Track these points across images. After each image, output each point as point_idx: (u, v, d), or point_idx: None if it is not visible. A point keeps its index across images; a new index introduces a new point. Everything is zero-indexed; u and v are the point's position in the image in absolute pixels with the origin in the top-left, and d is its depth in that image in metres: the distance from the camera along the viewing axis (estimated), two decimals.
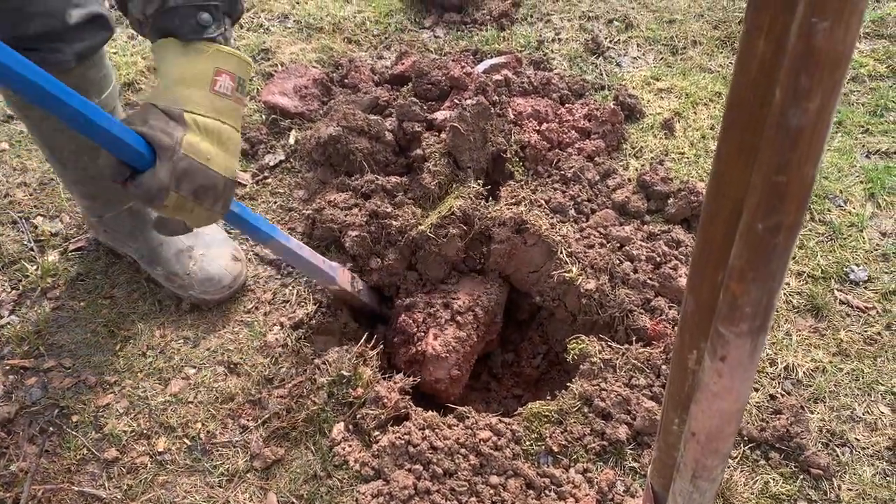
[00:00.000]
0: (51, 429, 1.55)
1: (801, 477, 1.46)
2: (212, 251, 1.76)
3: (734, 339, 0.70)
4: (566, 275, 1.70)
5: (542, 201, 1.86)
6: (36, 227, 1.89)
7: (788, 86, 0.51)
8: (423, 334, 1.72)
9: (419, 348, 1.70)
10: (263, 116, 2.18)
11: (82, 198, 1.71)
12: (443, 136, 1.92)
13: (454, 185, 1.90)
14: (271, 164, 2.05)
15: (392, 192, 1.90)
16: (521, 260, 1.80)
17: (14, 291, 1.78)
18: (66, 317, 1.74)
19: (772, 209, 0.58)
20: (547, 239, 1.75)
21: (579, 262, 1.73)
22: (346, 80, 2.28)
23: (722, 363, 0.73)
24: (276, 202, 1.97)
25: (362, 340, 1.65)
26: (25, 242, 1.86)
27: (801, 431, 1.49)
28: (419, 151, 1.93)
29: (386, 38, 2.53)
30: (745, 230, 0.62)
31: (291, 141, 2.10)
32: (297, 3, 2.66)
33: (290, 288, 1.79)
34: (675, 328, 1.35)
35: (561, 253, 1.74)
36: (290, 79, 2.25)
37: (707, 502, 0.95)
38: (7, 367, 1.64)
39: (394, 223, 1.81)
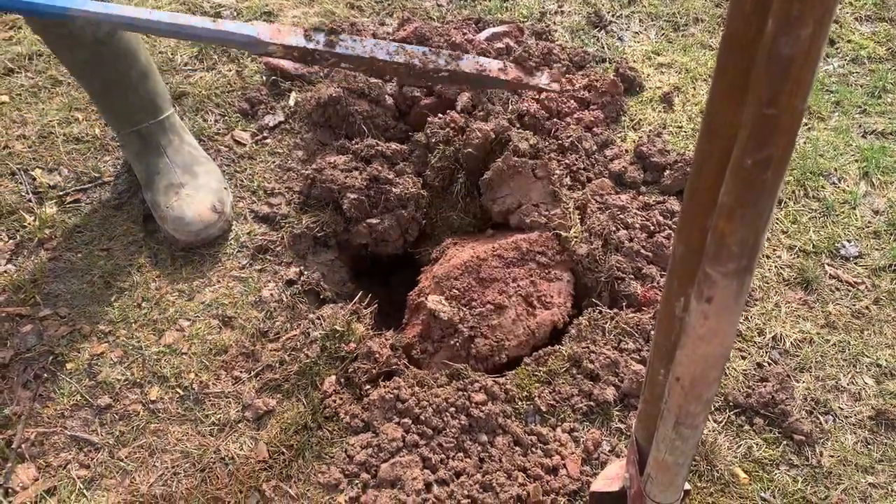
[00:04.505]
0: (45, 375, 1.57)
1: (784, 443, 1.48)
2: (197, 195, 1.78)
3: (721, 280, 0.71)
4: (564, 233, 1.70)
5: None
6: (34, 179, 1.89)
7: (781, 13, 0.52)
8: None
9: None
10: (264, 77, 2.18)
11: (102, 112, 1.87)
12: (450, 116, 1.90)
13: (455, 179, 1.91)
14: (271, 124, 2.05)
15: (392, 160, 1.90)
16: (517, 186, 1.80)
17: (11, 241, 1.79)
18: (63, 267, 1.75)
19: (762, 143, 0.59)
20: (554, 184, 1.76)
21: (577, 224, 1.74)
22: None
23: (708, 305, 0.74)
24: (274, 162, 1.98)
25: (356, 298, 1.67)
26: (23, 194, 1.87)
27: (786, 399, 1.51)
28: (422, 137, 1.91)
29: (389, 4, 2.52)
30: (735, 166, 0.63)
31: (291, 102, 2.10)
32: None
33: (285, 246, 1.80)
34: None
35: (565, 199, 1.74)
36: None
37: (689, 450, 0.96)
38: (3, 315, 1.65)
39: (393, 190, 1.82)
